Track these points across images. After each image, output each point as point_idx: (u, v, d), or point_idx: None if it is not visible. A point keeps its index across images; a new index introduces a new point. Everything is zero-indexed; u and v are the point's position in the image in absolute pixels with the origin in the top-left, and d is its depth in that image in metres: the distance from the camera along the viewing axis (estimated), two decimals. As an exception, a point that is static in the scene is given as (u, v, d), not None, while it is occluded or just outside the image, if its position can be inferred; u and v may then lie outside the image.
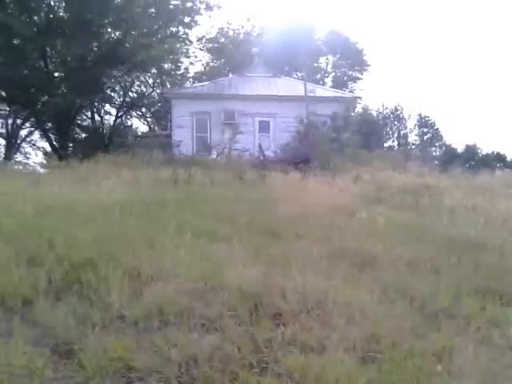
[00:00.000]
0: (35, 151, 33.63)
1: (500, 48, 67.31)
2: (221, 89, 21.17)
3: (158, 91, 30.37)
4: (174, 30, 23.09)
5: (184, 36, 23.15)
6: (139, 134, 28.22)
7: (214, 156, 17.99)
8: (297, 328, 2.83)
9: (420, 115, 43.83)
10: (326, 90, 21.47)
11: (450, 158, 32.79)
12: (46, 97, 22.70)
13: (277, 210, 6.19)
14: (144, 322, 2.98)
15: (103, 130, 28.47)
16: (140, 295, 3.31)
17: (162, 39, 23.12)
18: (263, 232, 5.19)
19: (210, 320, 3.00)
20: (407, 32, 68.51)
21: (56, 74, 23.01)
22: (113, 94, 26.74)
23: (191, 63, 29.44)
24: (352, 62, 40.55)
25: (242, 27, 33.23)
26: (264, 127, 20.84)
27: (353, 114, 22.34)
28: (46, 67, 22.48)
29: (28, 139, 32.62)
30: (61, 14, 22.76)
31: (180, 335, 2.79)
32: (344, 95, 20.86)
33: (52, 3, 21.84)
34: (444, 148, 43.48)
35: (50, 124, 24.17)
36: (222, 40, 31.65)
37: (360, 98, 21.30)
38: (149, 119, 35.01)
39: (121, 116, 29.92)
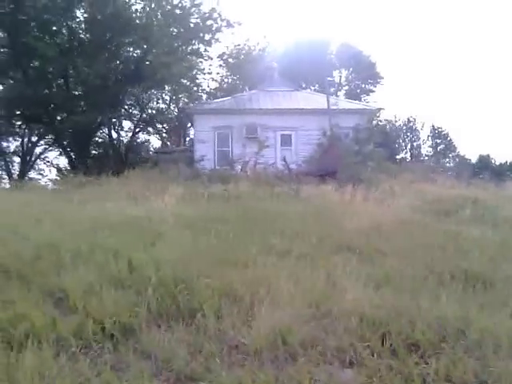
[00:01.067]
0: (49, 168, 33.72)
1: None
2: (242, 103, 21.08)
3: (173, 107, 30.41)
4: (194, 47, 23.08)
5: (205, 53, 23.15)
6: (157, 149, 28.02)
7: (238, 170, 17.76)
8: (446, 362, 2.51)
9: (433, 126, 43.56)
10: (348, 102, 21.31)
11: (465, 168, 32.46)
12: (66, 114, 22.84)
13: (342, 224, 5.89)
14: (268, 353, 2.68)
15: (120, 146, 28.43)
16: (251, 321, 3.02)
17: (182, 57, 23.20)
18: (339, 248, 4.89)
19: (340, 351, 2.70)
20: (418, 43, 68.49)
21: (76, 93, 23.02)
22: (131, 111, 26.72)
23: (213, 79, 29.52)
24: (365, 75, 40.49)
25: (258, 43, 33.40)
26: (286, 140, 20.66)
27: (375, 126, 22.11)
28: (66, 86, 22.58)
29: (42, 156, 32.74)
30: (82, 35, 22.90)
31: (317, 369, 2.49)
32: (367, 107, 20.66)
33: (74, 25, 21.90)
34: (457, 159, 43.18)
35: (68, 141, 24.13)
36: (242, 56, 31.71)
37: (383, 109, 21.01)
38: (164, 135, 35.14)
39: (138, 132, 29.95)
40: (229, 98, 22.43)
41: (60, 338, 2.84)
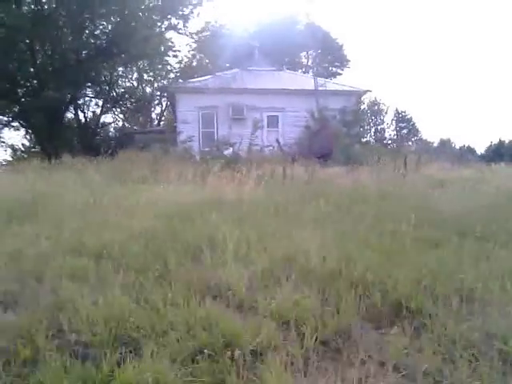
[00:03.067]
0: (5, 148, 31.21)
1: (470, 45, 69.77)
2: (226, 82, 20.29)
3: (144, 86, 29.01)
4: (172, 22, 21.92)
5: (184, 28, 22.08)
6: (133, 130, 26.60)
7: (230, 152, 17.13)
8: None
9: (397, 110, 44.50)
10: (335, 84, 21.08)
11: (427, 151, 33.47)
12: (32, 91, 21.12)
13: (428, 206, 5.56)
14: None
15: (87, 126, 26.82)
16: None
17: (160, 32, 22.02)
18: (464, 235, 4.43)
19: None
20: (381, 27, 69.40)
21: (45, 68, 21.27)
22: (100, 89, 25.14)
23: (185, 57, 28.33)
24: (332, 57, 40.49)
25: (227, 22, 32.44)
26: (272, 122, 20.21)
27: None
28: (33, 60, 20.78)
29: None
30: (49, 5, 21.08)
31: None
32: (354, 89, 20.51)
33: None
34: (420, 143, 44.50)
35: (34, 120, 22.39)
36: (211, 34, 30.61)
37: (370, 91, 20.93)
38: (128, 115, 33.54)
39: (105, 112, 28.37)
40: (211, 76, 21.54)
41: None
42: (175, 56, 24.96)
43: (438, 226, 4.54)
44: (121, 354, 2.29)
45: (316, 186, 6.77)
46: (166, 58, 27.15)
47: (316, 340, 2.45)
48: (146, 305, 2.76)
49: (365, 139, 41.83)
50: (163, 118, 30.70)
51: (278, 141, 17.57)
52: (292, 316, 2.64)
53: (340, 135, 17.84)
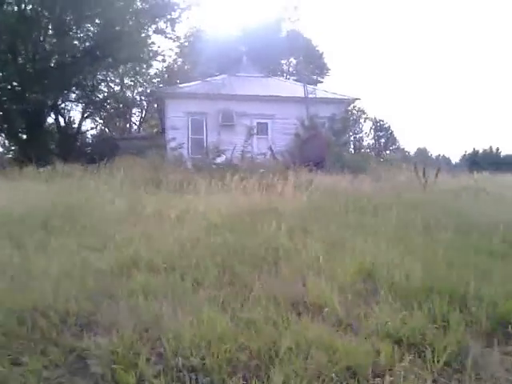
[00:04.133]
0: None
1: (444, 58, 71.78)
2: (216, 88, 20.10)
3: (125, 90, 28.47)
4: (159, 26, 21.63)
5: (172, 33, 21.80)
6: (116, 136, 26.00)
7: (223, 159, 16.91)
8: None
9: (375, 119, 45.29)
10: (325, 92, 21.19)
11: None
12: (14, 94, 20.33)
13: (471, 212, 5.52)
14: None
15: (68, 131, 26.03)
16: None
17: (147, 36, 21.68)
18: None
19: None
20: (359, 36, 70.57)
21: (27, 71, 20.54)
22: (83, 93, 24.46)
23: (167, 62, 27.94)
24: (313, 65, 40.85)
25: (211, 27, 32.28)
26: (262, 129, 20.11)
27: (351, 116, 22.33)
28: (14, 62, 20.03)
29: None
30: (31, 5, 20.41)
31: None
32: (343, 97, 20.67)
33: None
34: (397, 152, 45.33)
35: (16, 125, 21.55)
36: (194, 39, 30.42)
37: (359, 99, 21.16)
38: (104, 121, 32.79)
39: (86, 117, 27.65)
40: (199, 82, 21.32)
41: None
42: (164, 61, 24.57)
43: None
44: (245, 381, 2.09)
45: (349, 194, 6.66)
46: (152, 63, 26.84)
47: (438, 361, 2.31)
48: (242, 323, 2.56)
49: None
50: (144, 124, 30.16)
51: (271, 148, 17.47)
52: (403, 335, 2.50)
53: (331, 143, 17.90)
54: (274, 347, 2.35)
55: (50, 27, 20.68)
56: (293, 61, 41.61)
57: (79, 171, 10.47)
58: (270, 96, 20.09)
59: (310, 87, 20.44)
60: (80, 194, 6.10)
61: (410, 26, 68.04)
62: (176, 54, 31.76)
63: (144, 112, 33.36)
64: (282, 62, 41.26)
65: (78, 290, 2.98)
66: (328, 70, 41.58)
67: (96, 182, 7.66)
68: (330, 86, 57.87)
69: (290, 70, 41.99)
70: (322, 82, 41.76)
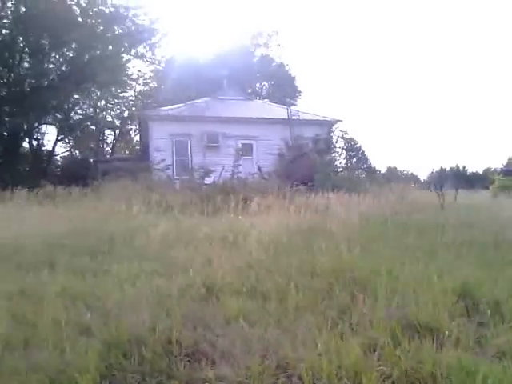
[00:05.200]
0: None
1: (409, 76, 74.44)
2: (200, 111, 20.09)
3: (104, 113, 28.00)
4: (139, 50, 21.56)
5: (152, 57, 21.75)
6: (96, 159, 25.28)
7: (211, 180, 16.74)
8: None
9: (346, 139, 46.13)
10: (308, 114, 21.50)
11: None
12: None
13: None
14: None
15: (42, 156, 25.24)
16: None
17: (126, 60, 21.55)
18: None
19: None
20: (329, 58, 72.24)
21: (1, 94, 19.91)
22: (59, 116, 23.88)
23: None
24: (285, 88, 41.51)
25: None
26: (247, 150, 20.07)
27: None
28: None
29: None
30: (6, 30, 19.93)
31: None
32: (326, 118, 21.05)
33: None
34: (369, 171, 46.28)
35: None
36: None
37: (341, 120, 21.59)
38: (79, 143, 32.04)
39: (60, 140, 26.94)
40: (183, 104, 21.24)
41: None
42: (145, 84, 24.41)
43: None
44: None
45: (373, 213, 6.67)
46: (131, 86, 26.61)
47: None
48: (365, 347, 2.44)
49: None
50: (120, 146, 29.65)
51: (259, 169, 17.47)
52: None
53: (317, 163, 18.09)
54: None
55: (27, 51, 20.20)
56: (265, 84, 42.18)
57: (75, 194, 10.08)
58: (255, 118, 20.23)
59: (293, 109, 20.71)
60: (109, 217, 5.83)
61: (374, 46, 70.61)
62: (155, 77, 31.69)
63: (118, 134, 32.84)
64: (257, 85, 41.74)
65: (167, 317, 2.79)
66: (300, 92, 42.31)
67: (104, 206, 7.35)
68: (302, 109, 59.07)
69: (263, 93, 42.46)
70: (295, 105, 42.41)
